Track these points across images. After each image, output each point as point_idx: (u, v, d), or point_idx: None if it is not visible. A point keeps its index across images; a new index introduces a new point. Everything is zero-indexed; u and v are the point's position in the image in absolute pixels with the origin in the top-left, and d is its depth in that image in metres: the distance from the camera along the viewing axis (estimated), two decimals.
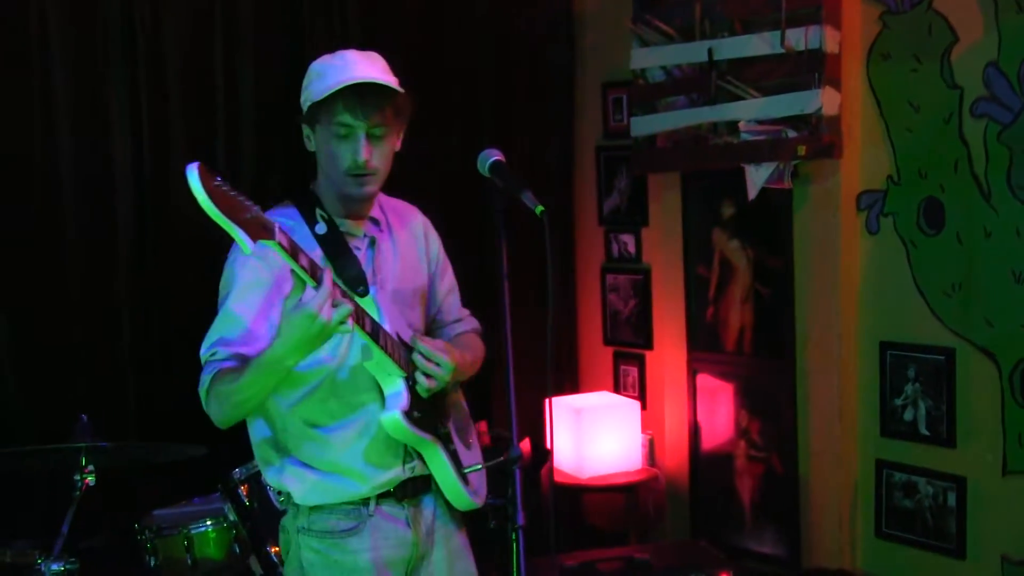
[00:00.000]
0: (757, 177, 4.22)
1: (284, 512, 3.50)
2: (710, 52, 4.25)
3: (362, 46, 4.55)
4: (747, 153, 4.19)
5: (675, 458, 4.88)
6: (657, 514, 4.72)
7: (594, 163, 5.28)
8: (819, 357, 4.29)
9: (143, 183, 4.17)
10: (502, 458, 2.43)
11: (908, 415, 4.09)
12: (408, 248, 2.69)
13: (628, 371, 5.19)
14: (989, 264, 3.82)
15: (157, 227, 4.20)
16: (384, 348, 2.38)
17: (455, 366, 2.53)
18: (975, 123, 3.82)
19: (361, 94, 2.42)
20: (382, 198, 2.68)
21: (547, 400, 2.60)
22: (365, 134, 2.44)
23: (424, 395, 2.51)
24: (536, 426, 4.79)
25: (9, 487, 3.80)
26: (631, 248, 5.15)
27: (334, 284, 2.18)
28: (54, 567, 3.13)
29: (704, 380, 4.78)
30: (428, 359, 2.48)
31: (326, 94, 2.41)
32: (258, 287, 2.44)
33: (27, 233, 3.97)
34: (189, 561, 3.56)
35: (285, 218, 2.50)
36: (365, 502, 2.56)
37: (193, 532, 3.56)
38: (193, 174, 1.96)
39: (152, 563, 3.58)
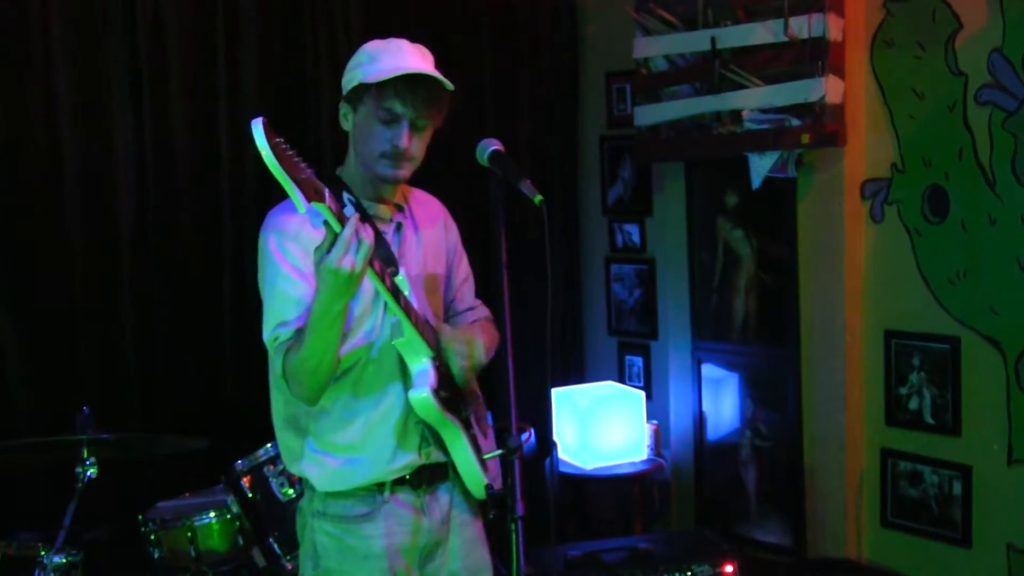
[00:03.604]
0: (761, 166, 4.21)
1: (287, 503, 3.53)
2: (713, 41, 4.23)
3: (363, 34, 4.60)
4: (751, 142, 4.18)
5: (680, 448, 4.87)
6: (662, 504, 4.72)
7: (598, 153, 5.27)
8: (824, 346, 4.27)
9: (145, 176, 4.16)
10: (501, 450, 2.44)
11: (913, 404, 4.07)
12: (429, 236, 2.72)
13: (633, 361, 5.19)
14: (994, 252, 3.80)
15: (159, 218, 4.20)
16: (415, 326, 2.42)
17: (483, 345, 2.60)
18: (979, 110, 3.80)
19: (414, 85, 2.45)
20: (404, 187, 2.70)
21: (549, 390, 2.61)
22: (409, 123, 2.47)
23: (459, 380, 2.56)
24: (546, 416, 4.77)
25: (12, 479, 3.81)
26: (635, 238, 5.14)
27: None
28: (57, 559, 3.14)
29: (709, 369, 4.77)
30: (457, 342, 2.55)
31: (382, 78, 2.43)
32: (301, 262, 2.46)
33: (29, 224, 3.96)
34: (193, 553, 3.57)
35: None
36: (380, 488, 2.57)
37: (196, 524, 3.57)
38: (258, 129, 1.99)
39: (156, 555, 3.59)
